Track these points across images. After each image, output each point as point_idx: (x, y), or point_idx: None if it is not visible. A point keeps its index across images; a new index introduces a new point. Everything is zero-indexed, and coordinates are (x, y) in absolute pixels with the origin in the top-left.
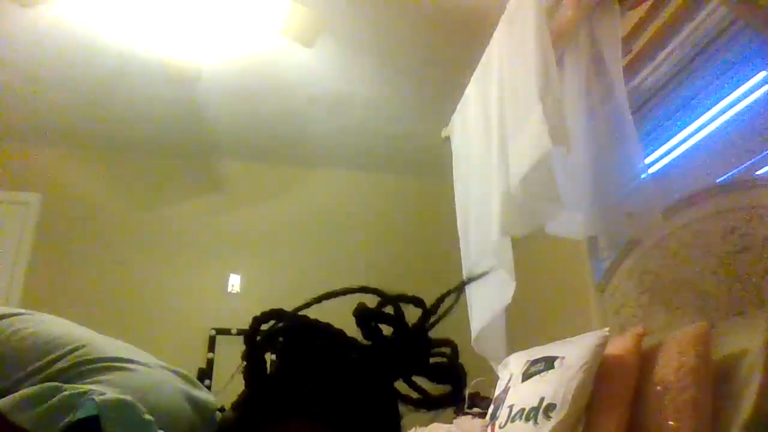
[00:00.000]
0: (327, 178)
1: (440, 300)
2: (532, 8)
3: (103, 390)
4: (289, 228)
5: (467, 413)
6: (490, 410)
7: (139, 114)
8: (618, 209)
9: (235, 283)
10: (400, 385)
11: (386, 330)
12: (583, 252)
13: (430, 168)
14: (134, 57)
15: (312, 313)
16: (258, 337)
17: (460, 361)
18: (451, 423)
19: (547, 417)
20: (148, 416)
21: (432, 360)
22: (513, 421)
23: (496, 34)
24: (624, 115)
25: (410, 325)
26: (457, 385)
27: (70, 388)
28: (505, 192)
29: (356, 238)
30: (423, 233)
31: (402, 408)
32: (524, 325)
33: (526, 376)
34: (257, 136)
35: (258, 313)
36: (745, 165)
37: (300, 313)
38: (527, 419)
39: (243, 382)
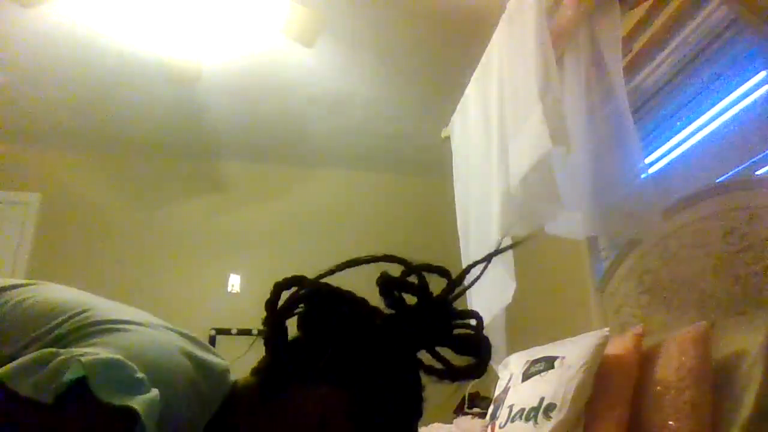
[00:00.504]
0: (327, 178)
1: (466, 270)
2: (532, 8)
3: (96, 351)
4: (289, 228)
5: (467, 413)
6: (490, 410)
7: (139, 114)
8: (618, 209)
9: (235, 283)
10: (424, 356)
11: (410, 300)
12: (583, 252)
13: (430, 168)
14: (134, 57)
15: (334, 282)
16: (279, 304)
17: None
18: (451, 423)
19: (547, 417)
20: (140, 374)
21: (456, 331)
22: (513, 421)
23: (496, 34)
24: (624, 115)
25: (434, 295)
26: (481, 357)
27: (66, 353)
28: (505, 192)
29: (356, 238)
30: (423, 233)
31: (425, 379)
32: (524, 325)
33: (526, 376)
34: (257, 136)
35: (262, 307)
36: (745, 165)
37: (322, 280)
38: (527, 419)
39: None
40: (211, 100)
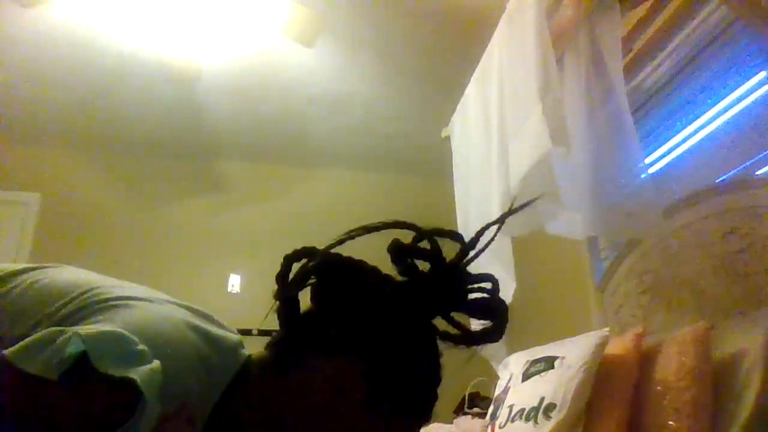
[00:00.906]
0: (327, 178)
1: (479, 233)
2: (532, 8)
3: (97, 327)
4: (289, 228)
5: (467, 413)
6: (490, 410)
7: (139, 114)
8: (618, 209)
9: (235, 283)
10: (439, 323)
11: (423, 267)
12: (583, 252)
13: (430, 168)
14: (134, 57)
15: (344, 251)
16: (290, 277)
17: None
18: (452, 423)
19: (547, 417)
20: (140, 346)
21: (471, 296)
22: (513, 421)
23: (496, 34)
24: (624, 115)
25: (448, 260)
26: (498, 320)
27: (69, 330)
28: (505, 192)
29: (356, 238)
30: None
31: (441, 345)
32: (524, 325)
33: (526, 376)
34: (257, 136)
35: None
36: (745, 165)
37: (332, 250)
38: (527, 419)
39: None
40: (211, 100)
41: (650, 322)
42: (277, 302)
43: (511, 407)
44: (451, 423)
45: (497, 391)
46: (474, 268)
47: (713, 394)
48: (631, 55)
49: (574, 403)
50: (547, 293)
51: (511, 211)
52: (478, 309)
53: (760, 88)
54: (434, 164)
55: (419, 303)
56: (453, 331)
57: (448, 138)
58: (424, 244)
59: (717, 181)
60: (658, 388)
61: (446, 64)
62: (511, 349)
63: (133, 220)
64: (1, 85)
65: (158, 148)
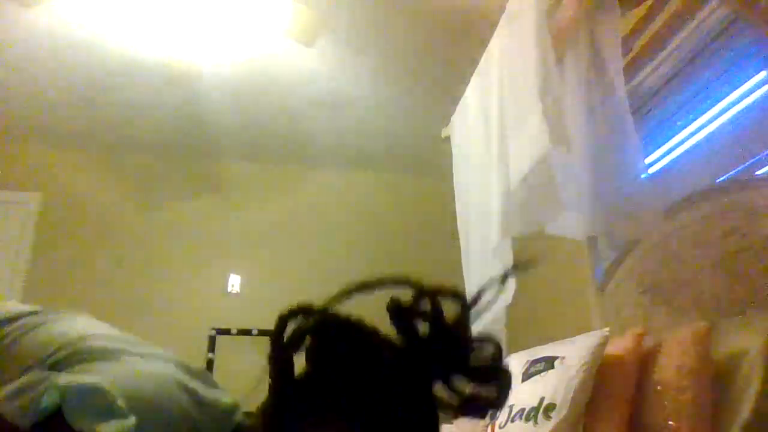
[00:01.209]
0: (327, 178)
1: (479, 293)
2: (532, 8)
3: (79, 377)
4: (289, 228)
5: None
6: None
7: (140, 114)
8: (618, 209)
9: (235, 283)
10: (439, 390)
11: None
12: (583, 252)
13: (430, 168)
14: (135, 57)
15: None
16: (284, 337)
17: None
18: (452, 423)
19: (547, 417)
20: (118, 402)
21: (473, 359)
22: (513, 421)
23: (496, 34)
24: (624, 115)
25: (448, 320)
26: (501, 387)
27: (52, 377)
28: (505, 192)
29: (356, 238)
30: (423, 233)
31: (441, 414)
32: (524, 325)
33: (527, 376)
34: (257, 136)
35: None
36: (745, 165)
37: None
38: (527, 419)
39: (269, 385)
40: (212, 100)
41: (650, 322)
42: (271, 364)
43: (511, 407)
44: (451, 423)
45: None
46: (474, 267)
47: (713, 394)
48: (631, 55)
49: (574, 403)
50: (547, 293)
51: (516, 267)
52: (479, 374)
53: (760, 88)
54: (434, 164)
55: (419, 368)
56: (454, 399)
57: (448, 138)
58: (426, 301)
59: (717, 181)
60: (658, 388)
61: (446, 64)
62: (511, 349)
63: (133, 220)
64: (2, 85)
65: (159, 148)
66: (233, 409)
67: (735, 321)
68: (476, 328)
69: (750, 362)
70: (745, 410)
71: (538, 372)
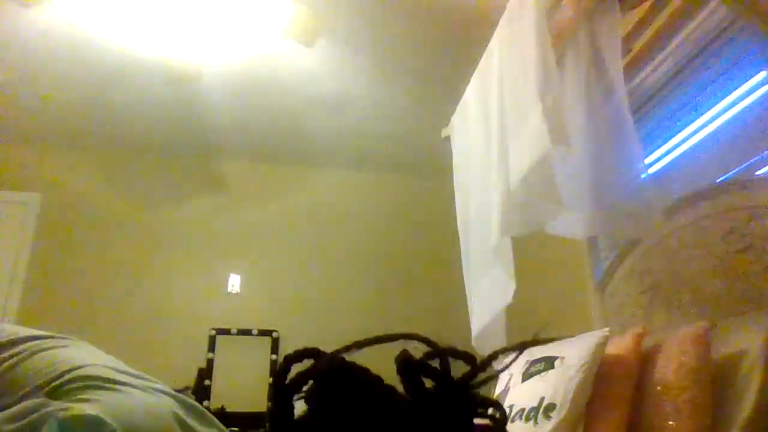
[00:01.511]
0: (327, 178)
1: (492, 357)
2: (532, 8)
3: (80, 407)
4: (289, 228)
5: None
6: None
7: (140, 114)
8: (618, 209)
9: (235, 283)
10: None
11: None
12: (583, 252)
13: (430, 168)
14: (135, 57)
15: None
16: (287, 379)
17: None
18: None
19: (547, 417)
20: None
21: (476, 421)
22: (513, 421)
23: (496, 34)
24: (624, 115)
25: (455, 380)
26: None
27: (52, 405)
28: (505, 192)
29: (356, 238)
30: (423, 233)
31: None
32: (524, 325)
33: (526, 375)
34: (257, 136)
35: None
36: (745, 165)
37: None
38: (527, 419)
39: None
40: (212, 100)
41: (650, 322)
42: (271, 404)
43: (511, 407)
44: None
45: (497, 391)
46: (474, 267)
47: (713, 394)
48: (631, 55)
49: (574, 403)
50: (547, 293)
51: (534, 342)
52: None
53: (760, 88)
54: (434, 164)
55: (420, 423)
56: None
57: (448, 138)
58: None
59: (717, 181)
60: (658, 388)
61: (446, 64)
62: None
63: (133, 219)
64: (1, 85)
65: (158, 148)
66: None
67: (735, 321)
68: (476, 329)
69: (750, 362)
70: (745, 410)
71: (538, 372)
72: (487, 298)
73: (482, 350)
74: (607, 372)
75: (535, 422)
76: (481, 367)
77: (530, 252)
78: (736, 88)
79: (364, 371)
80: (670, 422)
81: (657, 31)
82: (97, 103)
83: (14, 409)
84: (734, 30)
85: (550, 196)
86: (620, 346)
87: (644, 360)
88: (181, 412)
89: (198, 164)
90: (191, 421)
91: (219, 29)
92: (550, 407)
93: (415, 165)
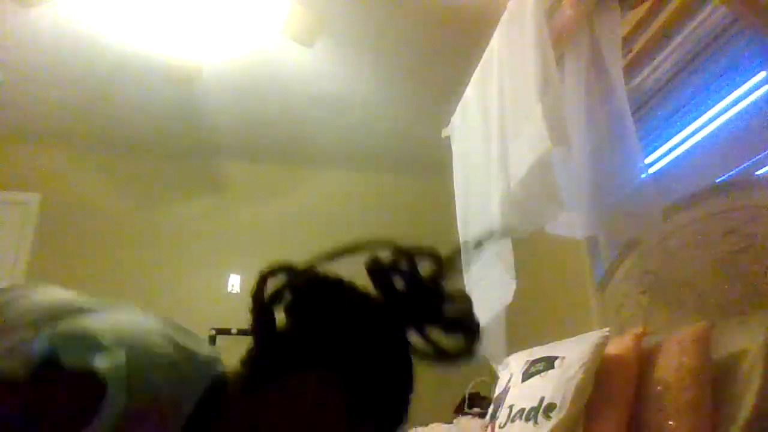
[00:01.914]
0: (327, 178)
1: (456, 254)
2: (532, 8)
3: (71, 323)
4: (289, 228)
5: (467, 413)
6: (490, 410)
7: (139, 114)
8: (618, 209)
9: (235, 283)
10: (415, 341)
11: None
12: (583, 252)
13: (430, 168)
14: (134, 57)
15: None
16: (265, 293)
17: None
18: (451, 423)
19: (547, 417)
20: (106, 341)
21: (447, 312)
22: (513, 421)
23: (496, 34)
24: (624, 115)
25: (424, 278)
26: (471, 336)
27: (42, 330)
28: (505, 192)
29: (356, 238)
30: (423, 233)
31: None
32: (524, 325)
33: (527, 375)
34: (257, 136)
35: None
36: (745, 165)
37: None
38: (527, 419)
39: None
40: (211, 100)
41: (650, 322)
42: (252, 318)
43: (511, 407)
44: (451, 423)
45: (497, 391)
46: (475, 269)
47: (713, 394)
48: (631, 55)
49: (574, 403)
50: (547, 293)
51: (490, 235)
52: (451, 324)
53: (760, 88)
54: (434, 164)
55: (395, 321)
56: (427, 348)
57: (448, 138)
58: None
59: (717, 181)
60: (658, 388)
61: (446, 64)
62: (511, 349)
63: (133, 220)
64: (1, 84)
65: (158, 148)
66: (214, 359)
67: (735, 321)
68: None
69: (750, 362)
70: (745, 410)
71: (538, 372)
72: (487, 297)
73: (482, 350)
74: (607, 372)
75: (535, 422)
76: (447, 263)
77: (530, 252)
78: (736, 88)
79: (338, 279)
80: (670, 422)
81: (657, 31)
82: (97, 103)
83: (3, 344)
84: (734, 30)
85: (550, 196)
86: (620, 346)
87: (644, 360)
88: (171, 331)
89: (198, 164)
90: (181, 338)
91: (219, 29)
92: (550, 407)
93: (415, 165)
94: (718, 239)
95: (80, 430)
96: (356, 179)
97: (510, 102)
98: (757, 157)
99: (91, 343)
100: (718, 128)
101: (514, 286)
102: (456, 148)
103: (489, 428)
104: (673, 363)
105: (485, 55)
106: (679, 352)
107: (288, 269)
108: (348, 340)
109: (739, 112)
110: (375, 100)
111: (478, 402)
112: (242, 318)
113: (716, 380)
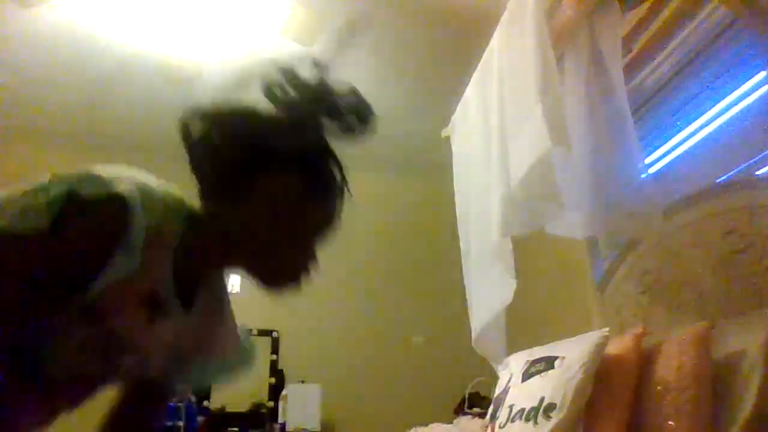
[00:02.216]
0: None
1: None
2: (532, 8)
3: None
4: None
5: (467, 413)
6: (490, 410)
7: (139, 113)
8: (618, 209)
9: (235, 283)
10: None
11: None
12: (583, 252)
13: (430, 168)
14: (134, 57)
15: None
16: (192, 137)
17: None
18: (451, 423)
19: (547, 417)
20: (117, 178)
21: (340, 101)
22: (513, 421)
23: (496, 34)
24: (624, 115)
25: (311, 85)
26: (365, 111)
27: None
28: (505, 192)
29: (356, 238)
30: (423, 233)
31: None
32: (524, 325)
33: (527, 375)
34: None
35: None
36: (745, 165)
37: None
38: (527, 419)
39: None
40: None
41: (650, 322)
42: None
43: (511, 407)
44: (451, 423)
45: (497, 391)
46: (474, 268)
47: (713, 394)
48: (631, 55)
49: (574, 403)
50: (547, 293)
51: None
52: (348, 108)
53: (760, 88)
54: (434, 164)
55: (309, 115)
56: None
57: (448, 138)
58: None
59: (717, 181)
60: (658, 388)
61: (446, 64)
62: (511, 349)
63: None
64: (1, 85)
65: (158, 148)
66: (182, 200)
67: (735, 321)
68: (476, 328)
69: (750, 362)
70: (745, 410)
71: (538, 372)
72: (487, 297)
73: (482, 350)
74: (607, 372)
75: (535, 422)
76: (324, 62)
77: (530, 252)
78: (736, 88)
79: (246, 106)
80: (670, 422)
81: (657, 31)
82: (97, 103)
83: (15, 205)
84: (734, 30)
85: (550, 196)
86: (620, 346)
87: (644, 360)
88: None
89: None
90: (152, 183)
91: (219, 29)
92: (550, 407)
93: (415, 165)
94: (718, 239)
95: (114, 253)
96: (356, 179)
97: (510, 102)
98: (757, 157)
99: (102, 178)
100: (718, 128)
101: (514, 286)
102: (456, 148)
103: (489, 428)
104: (673, 363)
105: (485, 55)
106: (679, 352)
107: (200, 111)
108: (282, 142)
109: (739, 112)
110: (375, 100)
111: (478, 402)
112: (242, 318)
113: (716, 380)
